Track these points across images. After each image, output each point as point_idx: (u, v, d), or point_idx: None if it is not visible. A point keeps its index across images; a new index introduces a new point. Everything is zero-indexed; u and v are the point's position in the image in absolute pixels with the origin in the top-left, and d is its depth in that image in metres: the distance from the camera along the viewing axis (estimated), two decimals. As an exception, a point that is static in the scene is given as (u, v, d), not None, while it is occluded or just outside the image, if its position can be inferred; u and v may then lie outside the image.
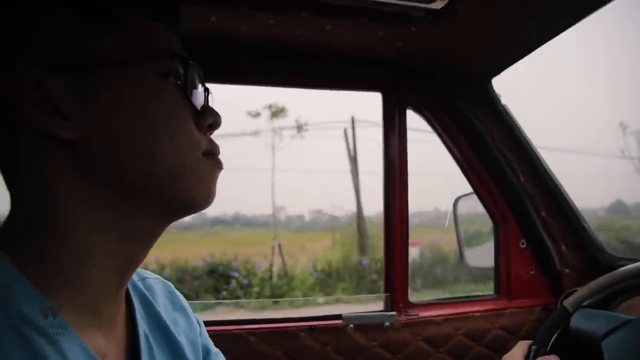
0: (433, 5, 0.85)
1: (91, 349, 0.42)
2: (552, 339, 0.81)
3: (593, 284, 0.83)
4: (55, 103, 0.41)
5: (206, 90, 0.51)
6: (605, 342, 0.71)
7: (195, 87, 0.48)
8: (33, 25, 0.42)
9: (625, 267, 0.82)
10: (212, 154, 0.48)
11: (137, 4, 0.45)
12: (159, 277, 0.63)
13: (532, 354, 0.79)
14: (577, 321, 0.79)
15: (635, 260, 0.83)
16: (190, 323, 0.62)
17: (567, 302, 0.82)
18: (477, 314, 1.20)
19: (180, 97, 0.46)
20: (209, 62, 1.02)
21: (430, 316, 1.16)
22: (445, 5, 0.84)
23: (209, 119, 0.48)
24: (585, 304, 0.81)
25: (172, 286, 0.64)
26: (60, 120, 0.41)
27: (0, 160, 0.45)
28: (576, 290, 0.91)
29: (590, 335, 0.75)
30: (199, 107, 0.48)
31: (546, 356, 0.77)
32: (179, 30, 0.50)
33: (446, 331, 1.16)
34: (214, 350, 0.66)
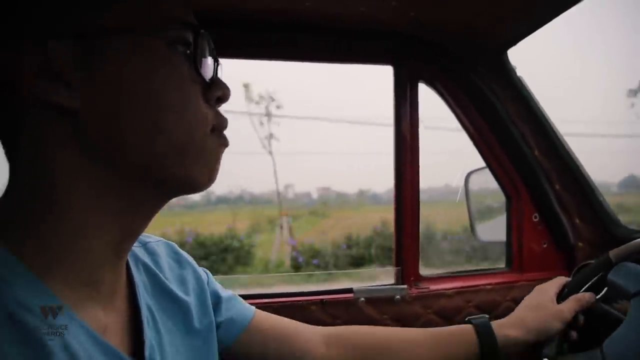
0: (447, -27, 0.82)
1: (90, 323, 0.42)
2: (587, 285, 0.80)
3: None
4: (58, 70, 0.39)
5: (216, 61, 0.49)
6: (635, 300, 0.69)
7: (205, 58, 0.46)
8: None
9: None
10: (219, 130, 0.47)
11: None
12: (160, 238, 0.63)
13: (563, 294, 0.80)
14: (616, 273, 0.76)
15: (651, 234, 0.81)
16: (198, 277, 0.63)
17: (613, 253, 0.79)
18: (488, 286, 1.20)
19: (188, 68, 0.44)
20: (215, 35, 1.01)
21: (441, 289, 1.17)
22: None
23: (217, 91, 0.47)
24: (631, 258, 0.77)
25: (176, 246, 0.64)
26: (62, 88, 0.40)
27: (3, 135, 0.44)
28: (588, 262, 0.91)
29: (623, 290, 0.73)
30: (207, 79, 0.46)
31: (580, 294, 0.78)
32: (191, 4, 0.48)
33: (457, 304, 1.17)
34: (226, 295, 0.67)
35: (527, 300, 0.81)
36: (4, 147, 0.44)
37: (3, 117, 0.42)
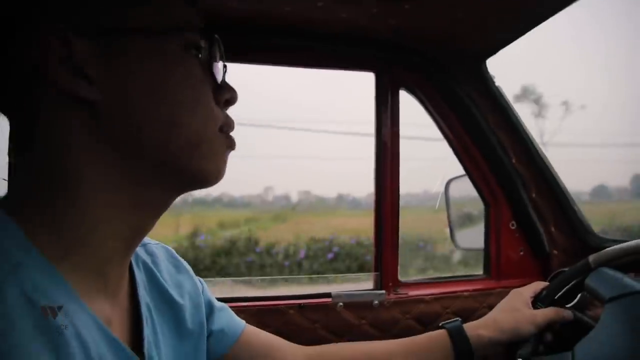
0: (427, -18, 0.84)
1: (98, 315, 0.44)
2: (565, 288, 0.81)
3: (623, 246, 0.79)
4: (80, 64, 0.41)
5: (224, 66, 0.52)
6: (608, 305, 0.70)
7: (216, 62, 0.50)
8: None
9: None
10: (227, 130, 0.50)
11: None
12: (159, 242, 0.65)
13: (541, 297, 0.82)
14: (594, 278, 0.77)
15: (621, 242, 0.83)
16: (194, 284, 0.65)
17: (592, 258, 0.80)
18: (465, 293, 1.22)
19: (201, 70, 0.47)
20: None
21: (420, 295, 1.18)
22: (439, -18, 0.83)
23: (226, 94, 0.50)
24: (610, 263, 0.78)
25: (174, 251, 0.66)
26: (83, 82, 0.42)
27: (18, 124, 0.45)
28: (563, 270, 0.92)
29: (598, 294, 0.74)
30: (218, 82, 0.49)
31: (561, 309, 0.79)
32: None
33: (435, 310, 1.18)
34: (218, 305, 0.69)
35: (503, 303, 0.83)
36: (18, 132, 0.45)
37: (23, 107, 0.44)
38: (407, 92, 1.17)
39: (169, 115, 0.44)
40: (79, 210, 0.43)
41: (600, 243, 1.19)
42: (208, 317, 0.65)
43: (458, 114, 1.19)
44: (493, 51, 1.11)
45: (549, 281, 0.91)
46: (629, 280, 0.73)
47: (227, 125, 0.50)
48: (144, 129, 0.44)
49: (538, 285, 0.86)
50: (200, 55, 0.47)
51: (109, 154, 0.43)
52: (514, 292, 0.85)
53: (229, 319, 0.70)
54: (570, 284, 0.82)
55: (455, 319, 0.81)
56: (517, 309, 0.79)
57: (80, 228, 0.43)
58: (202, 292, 0.66)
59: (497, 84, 1.18)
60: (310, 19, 0.96)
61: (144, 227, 0.49)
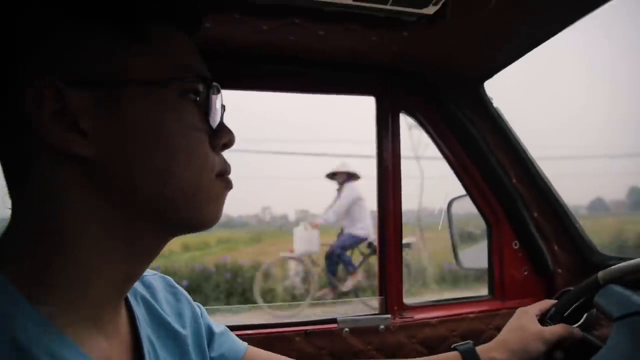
0: (425, 11, 0.86)
1: (95, 356, 0.43)
2: (574, 305, 0.80)
3: (633, 262, 0.77)
4: (74, 118, 0.40)
5: (222, 107, 0.50)
6: (618, 323, 0.69)
7: (214, 107, 0.48)
8: (54, 37, 0.40)
9: None
10: (223, 175, 0.49)
11: (160, 13, 0.44)
12: (156, 272, 0.64)
13: (550, 314, 0.81)
14: (603, 296, 0.76)
15: (624, 260, 0.83)
16: (194, 311, 0.64)
17: (601, 274, 0.79)
18: (471, 315, 1.21)
19: (197, 116, 0.46)
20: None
21: (425, 318, 1.17)
22: (437, 11, 0.85)
23: (224, 138, 0.48)
24: (620, 280, 0.76)
25: (171, 279, 0.65)
26: (77, 136, 0.40)
27: (9, 173, 0.44)
28: (569, 289, 0.92)
29: (607, 312, 0.73)
30: (214, 126, 0.48)
31: (571, 326, 0.78)
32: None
33: (441, 333, 1.17)
34: (218, 330, 0.67)
35: (510, 323, 0.83)
36: (9, 184, 0.44)
37: (14, 157, 0.43)
38: (407, 115, 1.19)
39: (164, 165, 0.43)
40: (71, 260, 0.42)
41: (603, 260, 1.19)
42: (209, 343, 0.64)
43: (458, 136, 1.20)
44: (490, 74, 1.13)
45: (556, 299, 0.91)
46: (638, 298, 0.73)
47: (224, 170, 0.49)
48: (140, 180, 0.42)
49: (545, 303, 0.85)
50: (197, 99, 0.45)
51: (104, 204, 0.42)
52: (520, 311, 0.84)
53: (230, 342, 0.68)
54: (579, 302, 0.82)
55: (466, 342, 0.80)
56: (524, 328, 0.79)
57: (73, 277, 0.42)
58: (202, 317, 0.65)
59: (495, 105, 1.20)
60: (311, 47, 0.98)
61: (137, 272, 0.49)
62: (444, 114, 1.18)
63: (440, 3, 0.83)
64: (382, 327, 1.11)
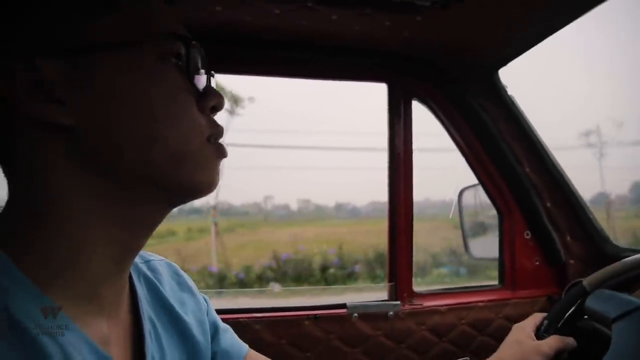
0: (439, -5, 0.85)
1: (92, 336, 0.42)
2: (566, 315, 0.80)
3: (616, 265, 0.80)
4: (49, 88, 0.39)
5: (208, 72, 0.49)
6: (616, 325, 0.69)
7: (198, 69, 0.47)
8: (23, 9, 0.40)
9: None
10: (215, 139, 0.47)
11: None
12: (163, 258, 0.63)
13: (543, 327, 0.81)
14: (593, 301, 0.77)
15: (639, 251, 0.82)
16: (198, 302, 0.63)
17: (586, 281, 0.80)
18: (480, 304, 1.20)
19: (181, 79, 0.45)
20: (214, 51, 1.02)
21: (434, 306, 1.17)
22: (451, -5, 0.84)
23: (212, 100, 0.47)
24: (604, 284, 0.79)
25: (178, 267, 0.64)
26: (55, 107, 0.40)
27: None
28: (580, 280, 0.91)
29: (602, 316, 0.74)
30: (201, 89, 0.47)
31: (564, 337, 0.78)
32: (183, 16, 0.48)
33: (450, 321, 1.17)
34: (223, 326, 0.66)
35: (507, 340, 0.82)
36: (2, 167, 0.45)
37: (0, 136, 0.43)
38: (420, 102, 1.18)
39: (148, 130, 0.42)
40: (64, 234, 0.42)
41: (618, 252, 1.17)
42: (213, 336, 0.63)
43: (470, 124, 1.19)
44: (505, 61, 1.11)
45: (565, 292, 0.90)
46: (630, 297, 0.74)
47: (216, 133, 0.47)
48: (124, 147, 0.41)
49: (538, 317, 0.85)
50: (180, 63, 0.44)
51: (92, 175, 0.42)
52: (515, 327, 0.84)
53: (232, 340, 0.68)
54: (571, 310, 0.82)
55: (464, 357, 0.81)
56: (521, 342, 0.78)
57: (67, 252, 0.42)
58: (207, 311, 0.64)
59: (509, 93, 1.18)
60: (324, 32, 0.97)
61: (136, 245, 0.47)
62: (457, 101, 1.17)
63: (456, -13, 0.82)
64: (391, 313, 1.12)
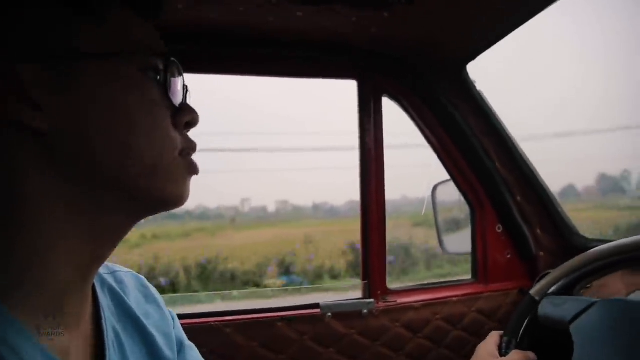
0: (405, -10, 0.84)
1: (51, 348, 0.41)
2: (522, 329, 0.81)
3: (557, 271, 0.83)
4: (26, 91, 0.39)
5: (184, 87, 0.50)
6: (573, 326, 0.72)
7: (174, 85, 0.48)
8: (6, 14, 0.40)
9: (589, 251, 0.83)
10: (187, 154, 0.48)
11: None
12: (130, 270, 0.62)
13: (504, 344, 0.81)
14: (545, 308, 0.80)
15: (606, 242, 0.84)
16: (163, 316, 0.61)
17: (533, 291, 0.83)
18: (454, 298, 1.21)
19: (158, 93, 0.45)
20: (177, 51, 1.00)
21: (409, 302, 1.17)
22: (417, -10, 0.83)
23: (186, 116, 0.48)
24: (551, 291, 0.81)
25: (145, 279, 0.63)
26: (31, 109, 0.39)
27: None
28: (548, 272, 0.93)
29: (558, 321, 0.76)
30: (177, 105, 0.47)
31: (524, 351, 0.78)
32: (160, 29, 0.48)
33: (424, 316, 1.17)
34: (188, 344, 0.65)
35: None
36: None
37: None
38: (390, 98, 1.17)
39: (123, 140, 0.42)
40: (26, 241, 0.41)
41: (585, 243, 1.20)
42: (178, 352, 0.62)
43: (441, 120, 1.19)
44: (472, 56, 1.12)
45: (536, 282, 0.92)
46: (580, 297, 0.77)
47: (188, 148, 0.48)
48: (99, 155, 0.42)
49: (496, 335, 0.85)
50: (158, 78, 0.46)
51: (64, 183, 0.42)
52: (479, 348, 0.85)
53: (196, 358, 0.66)
54: (525, 323, 0.83)
55: None
56: None
57: (29, 259, 0.41)
58: (174, 327, 0.63)
59: (478, 88, 1.19)
60: (290, 29, 0.95)
61: (102, 256, 0.47)
62: (427, 97, 1.17)
63: (421, -17, 0.82)
64: (365, 311, 1.12)
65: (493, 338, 0.84)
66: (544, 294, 0.81)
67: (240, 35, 0.98)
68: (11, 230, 0.41)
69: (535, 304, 0.81)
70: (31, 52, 0.40)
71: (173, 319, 0.64)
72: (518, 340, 0.81)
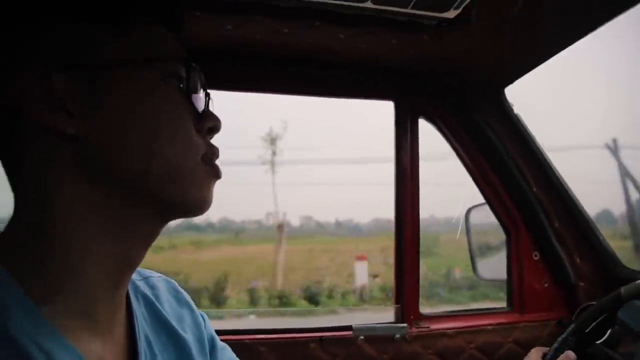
0: (446, 15, 0.85)
1: (86, 354, 0.42)
2: (594, 323, 0.78)
3: None
4: (60, 99, 0.41)
5: (207, 95, 0.52)
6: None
7: (197, 91, 0.49)
8: (41, 27, 0.42)
9: None
10: (210, 159, 0.49)
11: (144, 12, 0.47)
12: (162, 275, 0.63)
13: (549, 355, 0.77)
14: (626, 311, 0.74)
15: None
16: (196, 318, 0.62)
17: (624, 290, 0.76)
18: (489, 327, 1.17)
19: (181, 100, 0.47)
20: (224, 69, 1.02)
21: (442, 329, 1.14)
22: (458, 15, 0.84)
23: (209, 122, 0.49)
24: None
25: (176, 284, 0.64)
26: (64, 117, 0.41)
27: (7, 163, 0.45)
28: (592, 303, 0.89)
29: (630, 329, 0.71)
30: (199, 111, 0.49)
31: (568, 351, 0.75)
32: (195, 37, 0.50)
33: (458, 344, 1.14)
34: (221, 344, 0.66)
35: None
36: (8, 175, 0.45)
37: (7, 143, 0.44)
38: (426, 120, 1.17)
39: (147, 145, 0.44)
40: (61, 248, 0.42)
41: (629, 275, 1.15)
42: (210, 353, 0.62)
43: (477, 142, 1.18)
44: (512, 79, 1.11)
45: (575, 316, 0.88)
46: None
47: (211, 153, 0.49)
48: (126, 159, 0.43)
49: (539, 352, 0.81)
50: (181, 85, 0.47)
51: (93, 189, 0.43)
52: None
53: (230, 358, 0.66)
54: (601, 317, 0.79)
55: None
56: None
57: (64, 266, 0.42)
58: (205, 327, 0.64)
59: (515, 111, 1.18)
60: (331, 50, 0.97)
61: (133, 260, 0.48)
62: (464, 119, 1.16)
63: (462, 7, 0.83)
64: (397, 336, 1.09)
65: (537, 352, 0.80)
66: (632, 296, 0.74)
67: (282, 55, 1.00)
68: (44, 239, 0.42)
69: (620, 302, 0.75)
70: (65, 62, 0.42)
71: (204, 319, 0.65)
72: (587, 331, 0.78)
